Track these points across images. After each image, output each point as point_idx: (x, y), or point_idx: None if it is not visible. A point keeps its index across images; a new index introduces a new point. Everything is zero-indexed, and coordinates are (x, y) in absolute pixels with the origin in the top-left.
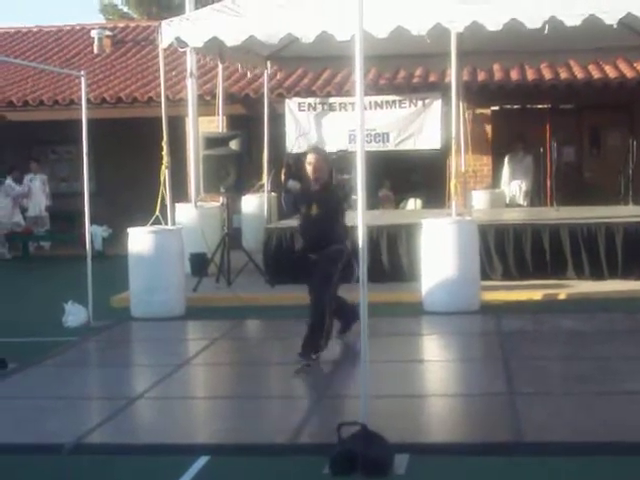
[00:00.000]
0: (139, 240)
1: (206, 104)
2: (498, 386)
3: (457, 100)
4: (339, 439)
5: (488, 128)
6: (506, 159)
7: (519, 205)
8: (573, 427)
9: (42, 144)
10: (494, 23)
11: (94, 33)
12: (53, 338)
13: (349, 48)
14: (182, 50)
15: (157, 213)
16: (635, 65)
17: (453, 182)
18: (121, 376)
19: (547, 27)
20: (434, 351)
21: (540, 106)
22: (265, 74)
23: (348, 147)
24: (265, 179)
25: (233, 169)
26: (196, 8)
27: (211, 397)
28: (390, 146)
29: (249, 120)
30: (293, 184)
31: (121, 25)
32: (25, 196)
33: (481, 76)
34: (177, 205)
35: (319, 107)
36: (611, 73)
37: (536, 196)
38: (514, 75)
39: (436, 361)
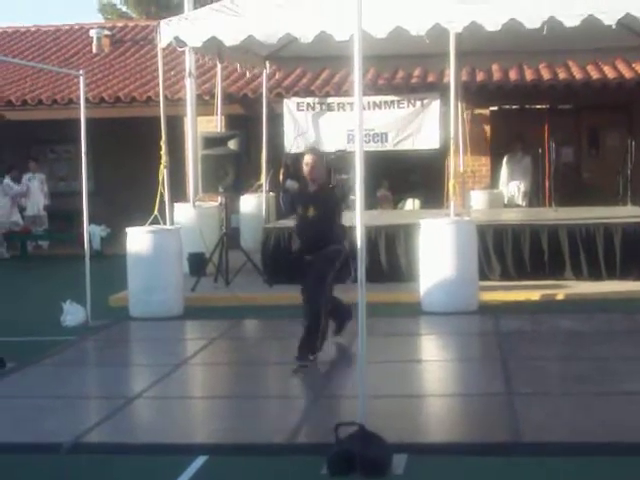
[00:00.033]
0: (137, 240)
1: (205, 104)
2: (496, 386)
3: (456, 100)
4: (337, 439)
5: (487, 128)
6: (504, 159)
7: (518, 205)
8: (571, 427)
9: (41, 143)
10: (493, 23)
11: (93, 32)
12: (51, 337)
13: (348, 48)
14: (181, 50)
15: (155, 213)
16: (634, 66)
17: (451, 182)
18: (119, 376)
19: (546, 27)
20: (432, 351)
21: (539, 106)
22: (264, 74)
23: (346, 147)
24: (263, 179)
25: (231, 169)
26: (195, 8)
27: (209, 397)
28: (388, 146)
29: (247, 120)
30: (291, 184)
31: (120, 25)
32: (23, 195)
33: (480, 76)
34: (175, 205)
35: (318, 107)
36: (610, 74)
37: (535, 196)
38: (513, 75)
39: (434, 361)
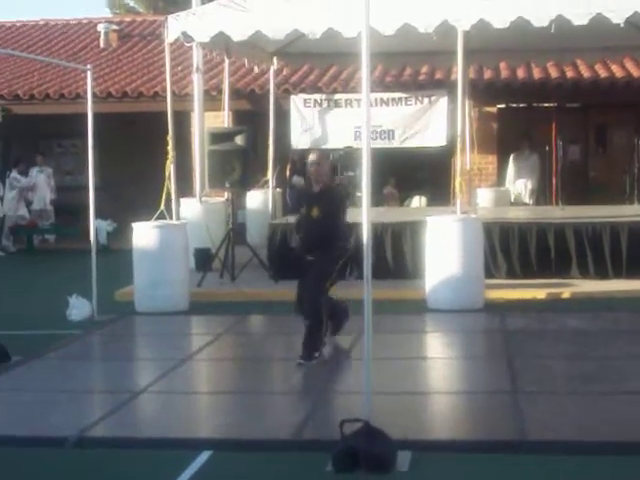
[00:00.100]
0: (143, 234)
1: (212, 99)
2: (502, 384)
3: (463, 98)
4: (342, 436)
5: (494, 126)
6: (511, 157)
7: (524, 203)
8: (576, 426)
9: (48, 137)
10: (501, 21)
11: (100, 27)
12: (57, 331)
13: (355, 45)
14: (188, 45)
15: (162, 208)
16: None
17: (458, 180)
18: (124, 370)
19: (554, 26)
20: (438, 348)
21: (546, 105)
22: (271, 70)
23: (353, 144)
24: (270, 175)
25: (238, 164)
26: (202, 3)
27: (214, 392)
28: (395, 143)
29: (255, 116)
30: (298, 180)
31: (127, 19)
32: (30, 189)
33: (487, 74)
34: (182, 200)
35: (325, 103)
36: (618, 72)
37: (541, 195)
38: (520, 73)
39: (440, 358)
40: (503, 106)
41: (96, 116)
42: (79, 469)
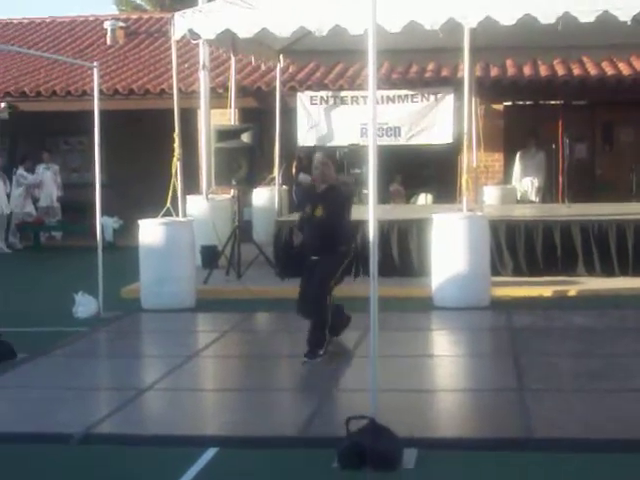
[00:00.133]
0: (150, 232)
1: (218, 97)
2: (508, 382)
3: (469, 95)
4: (348, 433)
5: (500, 124)
6: (518, 155)
7: (531, 201)
8: (583, 423)
9: (54, 135)
10: (508, 18)
11: (107, 24)
12: (63, 328)
13: (362, 42)
14: (195, 42)
15: (168, 205)
16: None
17: (464, 177)
18: (131, 367)
19: (560, 23)
20: (444, 346)
21: (553, 102)
22: (277, 67)
23: (359, 141)
24: (276, 172)
25: (244, 162)
26: (209, 0)
27: (220, 389)
28: (402, 140)
29: (261, 113)
30: (304, 177)
31: (134, 17)
32: (37, 186)
33: (494, 71)
34: (188, 197)
35: (331, 101)
36: (625, 70)
37: (548, 192)
38: (527, 71)
39: (446, 356)
40: (509, 104)
41: (102, 113)
42: (85, 466)
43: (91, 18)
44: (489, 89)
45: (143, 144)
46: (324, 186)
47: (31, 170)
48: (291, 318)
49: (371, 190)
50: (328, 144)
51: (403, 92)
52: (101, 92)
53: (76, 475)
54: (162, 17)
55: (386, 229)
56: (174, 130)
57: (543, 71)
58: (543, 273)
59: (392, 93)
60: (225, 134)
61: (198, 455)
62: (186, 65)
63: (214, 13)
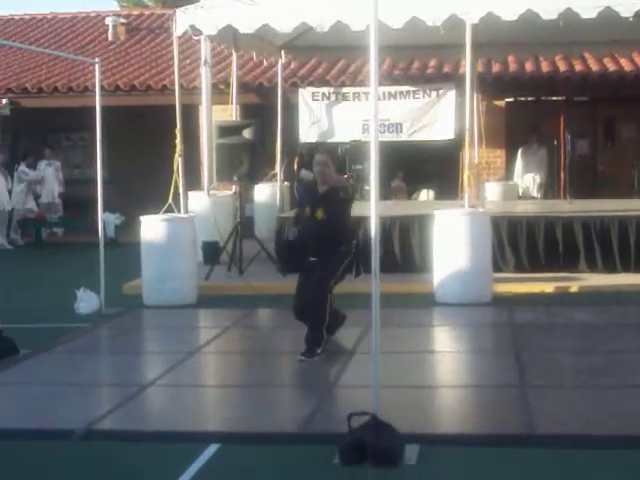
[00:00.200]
0: (151, 228)
1: (220, 93)
2: (510, 378)
3: (471, 91)
4: (349, 429)
5: (502, 120)
6: (519, 151)
7: (532, 197)
8: (585, 420)
9: (56, 131)
10: (510, 14)
11: (109, 20)
12: (65, 324)
13: (364, 38)
14: (196, 38)
15: (170, 201)
16: None
17: (466, 173)
18: (132, 363)
19: (562, 19)
20: (445, 342)
21: (554, 98)
22: (279, 63)
23: (361, 137)
24: (278, 168)
25: (246, 158)
26: None
27: (222, 385)
28: (403, 136)
29: (263, 109)
30: (306, 173)
31: (136, 13)
32: (38, 182)
33: (495, 67)
34: (190, 193)
35: (333, 97)
36: (626, 66)
37: (549, 188)
38: (529, 67)
39: (447, 352)
40: (511, 100)
41: (104, 109)
42: (87, 462)
43: (92, 14)
44: (491, 85)
45: (145, 140)
46: (324, 187)
47: (33, 166)
48: (292, 314)
49: (373, 186)
50: (330, 140)
51: (405, 88)
52: (103, 88)
53: (78, 471)
54: (164, 13)
55: (388, 225)
56: (176, 126)
57: (545, 67)
58: (545, 269)
59: (394, 89)
60: (227, 130)
61: (200, 451)
62: (188, 61)
63: (216, 9)
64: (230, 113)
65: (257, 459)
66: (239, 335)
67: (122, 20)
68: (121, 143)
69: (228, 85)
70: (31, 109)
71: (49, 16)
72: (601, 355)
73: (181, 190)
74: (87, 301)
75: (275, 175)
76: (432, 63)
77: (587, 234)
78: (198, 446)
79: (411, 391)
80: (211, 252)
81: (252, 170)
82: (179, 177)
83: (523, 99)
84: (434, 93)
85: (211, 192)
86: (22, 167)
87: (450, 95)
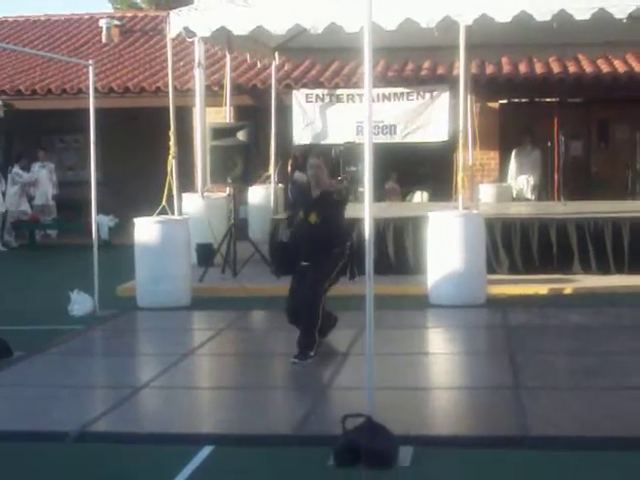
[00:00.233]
0: (145, 230)
1: (214, 95)
2: (504, 379)
3: (465, 93)
4: (344, 431)
5: (496, 121)
6: (513, 153)
7: (526, 199)
8: (578, 421)
9: (50, 133)
10: (503, 15)
11: (102, 22)
12: (59, 326)
13: (357, 40)
14: (190, 40)
15: (164, 203)
16: None
17: (460, 175)
18: (126, 365)
19: (556, 21)
20: (440, 344)
21: (548, 100)
22: (273, 65)
23: (355, 139)
24: (272, 170)
25: (240, 160)
26: None
27: (216, 387)
28: (397, 138)
29: (256, 111)
30: (300, 175)
31: (129, 15)
32: (32, 184)
33: (489, 69)
34: (184, 195)
35: (327, 98)
36: (620, 67)
37: (543, 190)
38: (522, 68)
39: (442, 354)
40: (505, 101)
41: (98, 111)
42: (81, 464)
43: (86, 16)
44: (485, 87)
45: (138, 142)
46: (318, 191)
47: (26, 168)
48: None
49: (367, 188)
50: (323, 142)
51: (399, 90)
52: (96, 90)
53: (72, 473)
54: (157, 15)
55: (382, 227)
56: (169, 128)
57: (539, 69)
58: (539, 271)
59: (388, 91)
60: (221, 132)
61: (194, 453)
62: (181, 63)
63: (209, 11)
64: (224, 115)
65: (251, 461)
66: (233, 337)
67: (116, 22)
68: (115, 145)
69: (222, 87)
70: (25, 111)
71: (43, 18)
72: (595, 356)
73: (175, 192)
74: (81, 303)
75: (269, 177)
76: (426, 65)
77: (581, 236)
78: (192, 448)
79: (405, 393)
80: (205, 254)
81: (246, 172)
82: (173, 179)
83: (517, 101)
84: (428, 95)
85: (205, 194)
86: (16, 169)
87: (444, 97)
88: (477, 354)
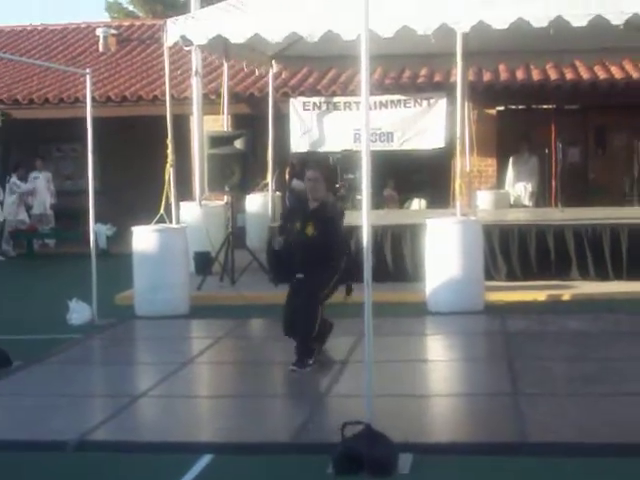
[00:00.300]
0: (143, 238)
1: (211, 103)
2: (502, 386)
3: (462, 100)
4: (343, 438)
5: (493, 128)
6: (511, 160)
7: (524, 206)
8: (577, 428)
9: (47, 142)
10: (500, 22)
11: (99, 31)
12: (57, 335)
13: (354, 47)
14: (187, 49)
15: (161, 211)
16: None
17: (458, 182)
18: (125, 374)
19: (553, 27)
20: (438, 351)
21: (545, 106)
22: (270, 73)
23: (353, 146)
24: (269, 178)
25: (238, 168)
26: (201, 7)
27: (215, 396)
28: (395, 146)
29: (254, 119)
30: (297, 183)
31: (126, 24)
32: (30, 194)
33: (486, 76)
34: (181, 204)
35: (324, 106)
36: (617, 74)
37: (541, 197)
38: (519, 75)
39: (440, 361)
40: (502, 108)
41: (95, 120)
42: (80, 473)
43: (83, 25)
44: (482, 94)
45: (136, 151)
46: (315, 204)
47: (24, 178)
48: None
49: (365, 195)
50: (321, 150)
51: (396, 97)
52: (94, 99)
53: None
54: (154, 24)
55: (380, 234)
56: (167, 136)
57: (536, 75)
58: (537, 277)
59: (385, 98)
60: (218, 140)
61: (193, 462)
62: (179, 72)
63: (206, 19)
64: (221, 123)
65: (250, 469)
66: (231, 345)
67: (113, 31)
68: (112, 154)
69: (219, 95)
70: (22, 120)
71: (40, 27)
72: (593, 363)
73: (173, 200)
74: (79, 312)
75: (267, 185)
76: (423, 72)
77: (579, 242)
78: (191, 457)
79: (404, 400)
80: (203, 262)
81: (244, 180)
82: (170, 187)
83: (514, 107)
84: (425, 102)
85: (203, 202)
86: (14, 179)
87: (441, 104)
88: (476, 361)
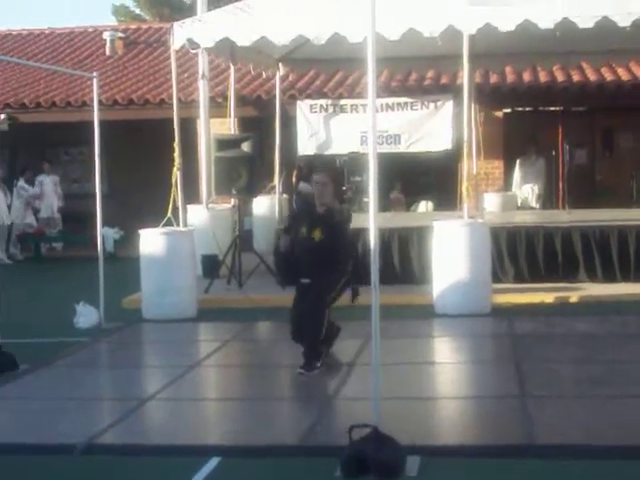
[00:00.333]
0: (151, 242)
1: (218, 106)
2: (510, 388)
3: (469, 102)
4: (350, 441)
5: (500, 130)
6: (518, 162)
7: (531, 208)
8: (585, 430)
9: (54, 145)
10: (507, 24)
11: (106, 35)
12: (64, 339)
13: (361, 50)
14: (194, 52)
15: (169, 215)
16: None
17: (465, 184)
18: (132, 377)
19: (559, 29)
20: (445, 353)
21: (552, 108)
22: (277, 76)
23: (359, 149)
24: (276, 181)
25: (245, 171)
26: (208, 10)
27: (222, 399)
28: (401, 148)
29: (261, 122)
30: (304, 186)
31: (133, 27)
32: (37, 197)
33: (493, 78)
34: (189, 207)
35: (331, 109)
36: (624, 75)
37: (548, 199)
38: (526, 77)
39: (448, 363)
40: (509, 110)
41: (102, 124)
42: (88, 477)
43: (90, 29)
44: (488, 96)
45: (143, 154)
46: (322, 208)
47: (31, 181)
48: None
49: (372, 198)
50: (328, 152)
51: (402, 100)
52: (101, 102)
53: None
54: (161, 27)
55: (387, 237)
56: (174, 140)
57: (542, 77)
58: (544, 279)
59: (391, 101)
60: (225, 143)
61: (201, 465)
62: (185, 75)
63: (213, 22)
64: (228, 126)
65: (258, 472)
66: (239, 348)
67: (120, 34)
68: (120, 157)
69: (226, 98)
70: (29, 124)
71: (47, 31)
72: (601, 365)
73: (180, 204)
74: (87, 315)
75: (274, 188)
76: (430, 74)
77: (586, 244)
78: (199, 460)
79: (411, 403)
80: (210, 265)
81: (251, 183)
82: (178, 191)
83: (521, 109)
84: (432, 104)
85: (210, 205)
86: (21, 183)
87: (448, 106)
88: (483, 363)
